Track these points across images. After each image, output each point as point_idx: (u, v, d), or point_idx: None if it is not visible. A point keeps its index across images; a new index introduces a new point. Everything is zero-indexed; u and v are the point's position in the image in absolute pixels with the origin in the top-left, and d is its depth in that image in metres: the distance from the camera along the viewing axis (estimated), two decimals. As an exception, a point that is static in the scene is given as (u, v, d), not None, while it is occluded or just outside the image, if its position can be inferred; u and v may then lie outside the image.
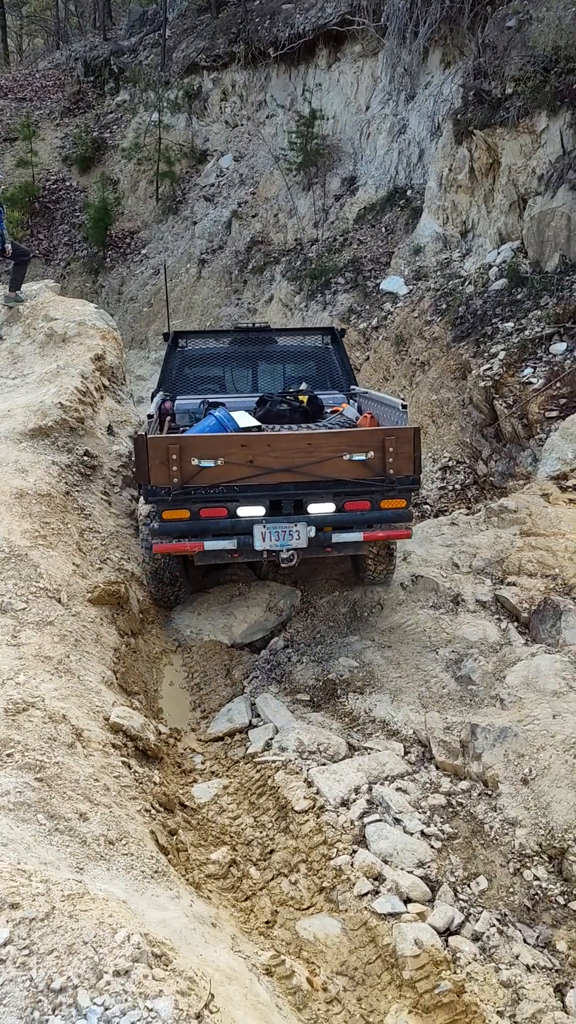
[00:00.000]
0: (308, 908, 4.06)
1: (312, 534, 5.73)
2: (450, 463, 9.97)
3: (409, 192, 14.12)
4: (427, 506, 9.54)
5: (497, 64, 11.65)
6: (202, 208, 17.24)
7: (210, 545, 5.74)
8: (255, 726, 5.41)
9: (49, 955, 2.32)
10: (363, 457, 5.63)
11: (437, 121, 13.62)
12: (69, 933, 2.41)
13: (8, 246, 8.43)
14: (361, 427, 6.38)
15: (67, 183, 19.65)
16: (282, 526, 5.70)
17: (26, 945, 2.39)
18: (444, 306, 11.48)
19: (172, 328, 8.39)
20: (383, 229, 14.04)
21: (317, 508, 5.76)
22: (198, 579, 7.29)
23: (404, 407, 6.05)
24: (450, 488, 9.72)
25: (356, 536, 5.79)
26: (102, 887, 3.06)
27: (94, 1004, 2.04)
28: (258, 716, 5.51)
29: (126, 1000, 2.04)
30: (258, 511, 5.72)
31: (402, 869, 4.06)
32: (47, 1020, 2.07)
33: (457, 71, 13.43)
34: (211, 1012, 2.09)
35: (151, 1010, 2.01)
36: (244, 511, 5.71)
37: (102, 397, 8.00)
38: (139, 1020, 1.97)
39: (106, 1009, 2.02)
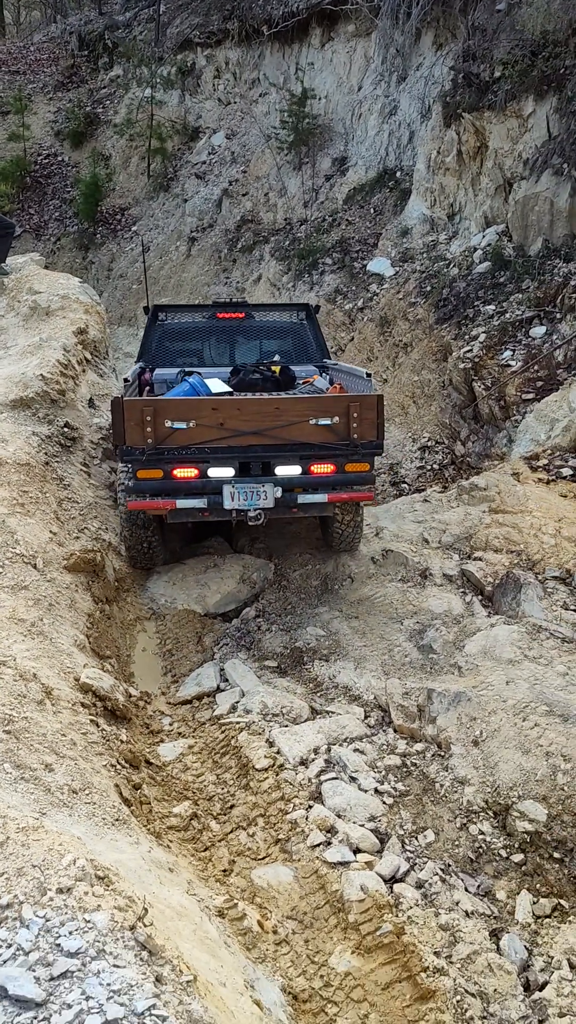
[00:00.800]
0: (264, 858, 4.25)
1: (279, 495, 6.00)
2: (429, 443, 10.12)
3: (399, 174, 14.18)
4: (405, 484, 9.71)
5: (486, 47, 11.71)
6: (193, 186, 17.26)
7: (182, 503, 6.01)
8: (223, 690, 5.58)
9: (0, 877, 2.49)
10: (328, 422, 5.91)
11: (428, 103, 13.67)
12: (20, 858, 2.58)
13: None
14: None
15: (59, 158, 19.61)
16: (250, 486, 5.97)
17: (-21, 869, 2.57)
18: (428, 288, 11.59)
19: (147, 302, 8.58)
20: (372, 210, 14.11)
21: (284, 470, 6.03)
22: (175, 550, 7.45)
23: (369, 376, 6.34)
24: (428, 467, 9.88)
25: (321, 497, 6.07)
26: (78, 834, 3.24)
27: (36, 916, 2.21)
28: (226, 681, 5.69)
29: (66, 912, 2.21)
30: (228, 472, 5.98)
31: (354, 823, 4.25)
32: (-7, 931, 2.24)
33: (448, 53, 13.47)
34: (145, 925, 2.26)
35: (88, 921, 2.18)
36: (214, 472, 5.98)
37: (84, 371, 8.12)
38: (76, 930, 2.14)
39: (47, 920, 2.19)
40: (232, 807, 4.58)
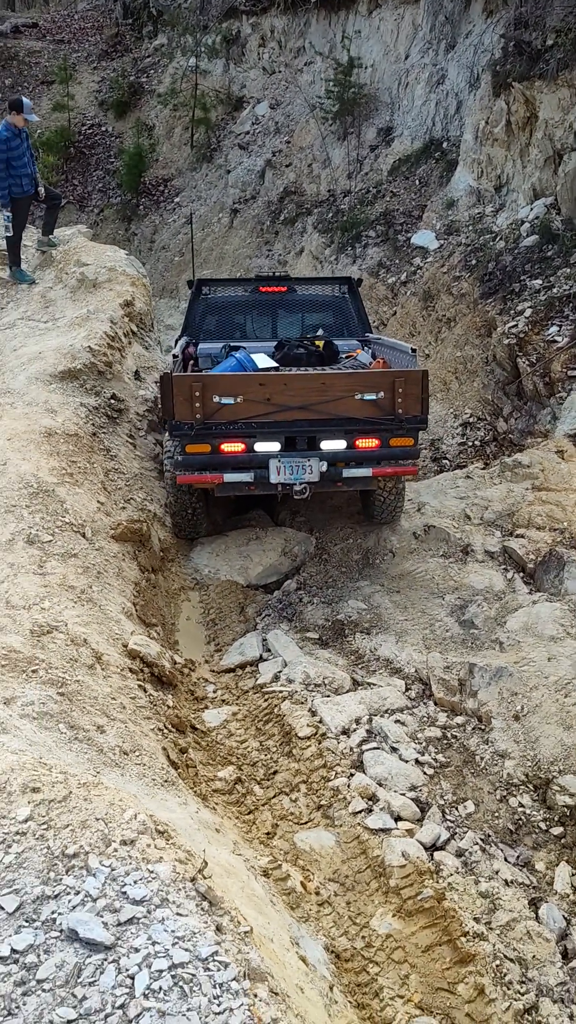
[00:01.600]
0: (306, 823, 4.37)
1: (324, 469, 6.09)
2: (471, 419, 10.08)
3: (445, 144, 13.97)
4: (446, 460, 9.69)
5: (539, 15, 11.44)
6: (236, 156, 17.16)
7: (229, 477, 6.13)
8: (265, 660, 5.69)
9: (64, 829, 2.61)
10: (374, 397, 5.99)
11: (476, 72, 13.41)
12: (83, 812, 2.70)
13: (41, 189, 8.57)
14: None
15: (103, 128, 19.60)
16: (296, 461, 6.07)
17: (44, 821, 2.69)
18: (474, 262, 11.46)
19: (192, 276, 8.65)
20: (417, 182, 13.94)
21: (329, 444, 6.12)
22: (217, 521, 7.56)
23: (413, 351, 6.39)
24: (470, 444, 9.84)
25: (366, 471, 6.15)
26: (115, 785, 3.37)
27: (102, 866, 2.33)
28: (269, 651, 5.79)
29: (130, 863, 2.33)
30: (274, 446, 6.08)
31: (395, 791, 4.34)
32: (61, 879, 2.36)
33: (499, 20, 13.18)
34: (204, 878, 2.37)
35: (151, 872, 2.29)
36: (261, 446, 6.08)
37: (130, 343, 8.21)
38: (140, 879, 2.25)
39: (112, 870, 2.31)
40: (275, 773, 4.70)
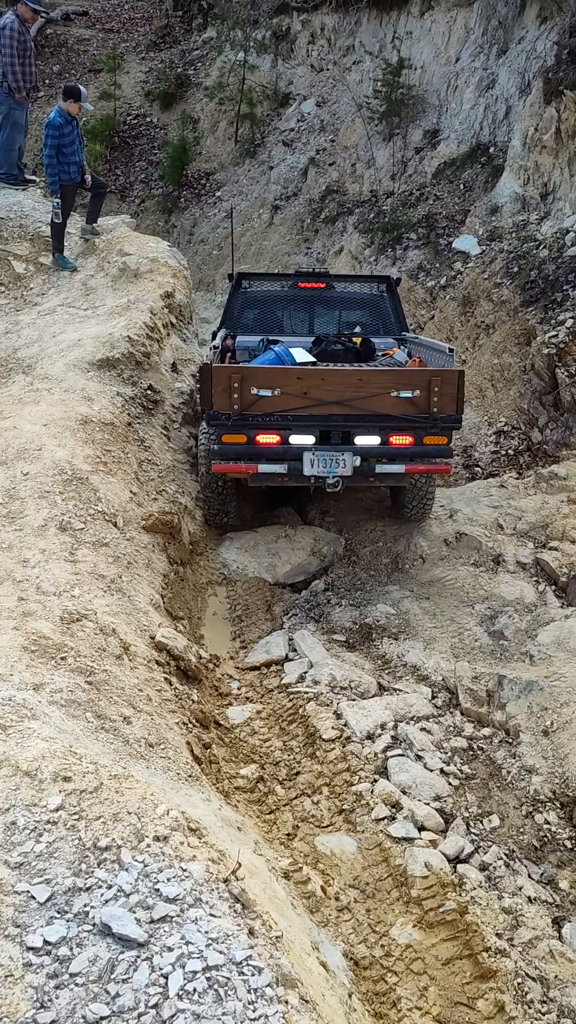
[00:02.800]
0: (327, 826, 4.33)
1: (357, 463, 6.16)
2: (505, 428, 9.98)
3: (492, 149, 13.83)
4: (478, 468, 9.60)
5: (595, 22, 11.29)
6: (280, 153, 17.10)
7: (263, 468, 6.22)
8: (291, 659, 5.66)
9: (96, 820, 2.60)
10: (409, 395, 6.04)
11: (528, 78, 13.26)
12: (115, 804, 2.69)
13: (88, 177, 8.59)
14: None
15: (148, 119, 19.61)
16: (330, 454, 6.14)
17: (76, 811, 2.68)
18: (516, 269, 11.35)
19: (232, 270, 8.65)
20: (461, 186, 13.82)
21: (363, 440, 6.19)
22: (246, 516, 7.56)
23: (451, 351, 6.43)
24: (503, 452, 9.74)
25: (398, 468, 6.21)
26: (152, 780, 3.35)
27: (135, 861, 2.31)
28: (294, 650, 5.77)
29: (163, 860, 2.30)
30: (308, 440, 6.18)
31: (419, 800, 4.30)
32: (92, 871, 2.35)
33: (553, 27, 13.03)
34: (237, 879, 2.34)
35: (185, 871, 2.27)
36: (296, 439, 6.18)
37: (168, 334, 8.20)
38: (174, 877, 2.23)
39: (145, 866, 2.29)
40: (297, 774, 4.67)
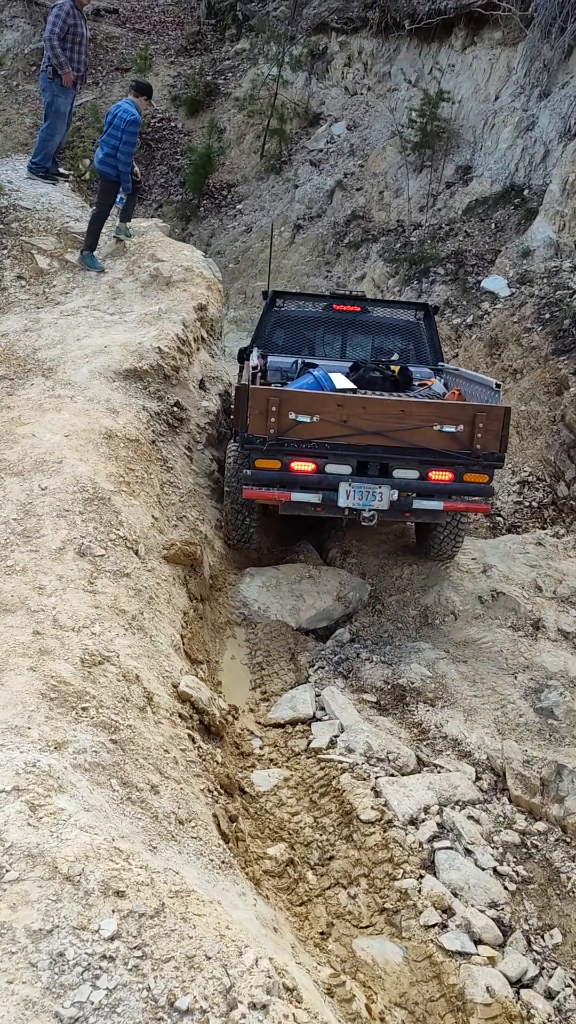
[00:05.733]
0: (367, 927, 3.84)
1: (394, 497, 5.89)
2: (530, 479, 9.61)
3: (526, 192, 13.59)
4: (500, 518, 9.21)
5: None
6: (306, 172, 16.77)
7: (296, 496, 5.93)
8: (319, 719, 5.17)
9: (167, 963, 2.10)
10: (453, 429, 5.78)
11: (570, 123, 13.07)
12: (186, 940, 2.18)
13: (138, 170, 8.21)
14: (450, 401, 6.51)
15: (172, 124, 19.21)
16: (366, 486, 5.87)
17: (137, 944, 2.17)
18: (548, 316, 11.04)
19: (267, 287, 8.23)
20: (492, 225, 13.55)
21: (402, 473, 5.93)
22: (264, 548, 7.13)
23: (497, 386, 6.13)
24: (526, 504, 9.37)
25: (437, 504, 5.94)
26: (193, 881, 2.84)
27: (229, 1039, 1.81)
28: (322, 708, 5.28)
29: (267, 1043, 1.81)
30: (345, 469, 5.90)
31: (473, 907, 3.82)
32: (171, 1044, 1.84)
33: (600, 75, 12.85)
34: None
35: (295, 1061, 1.78)
36: (332, 468, 5.90)
37: (198, 349, 7.74)
38: (283, 1071, 1.74)
39: (244, 1049, 1.79)
40: (331, 858, 4.18)
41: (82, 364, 6.87)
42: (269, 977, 2.03)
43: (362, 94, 17.27)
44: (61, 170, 9.46)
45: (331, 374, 6.58)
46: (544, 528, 8.85)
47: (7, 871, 2.43)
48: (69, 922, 2.22)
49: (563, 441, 9.61)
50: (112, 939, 2.18)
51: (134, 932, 2.20)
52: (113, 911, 2.28)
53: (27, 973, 2.03)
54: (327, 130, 17.27)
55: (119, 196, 8.00)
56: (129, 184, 7.98)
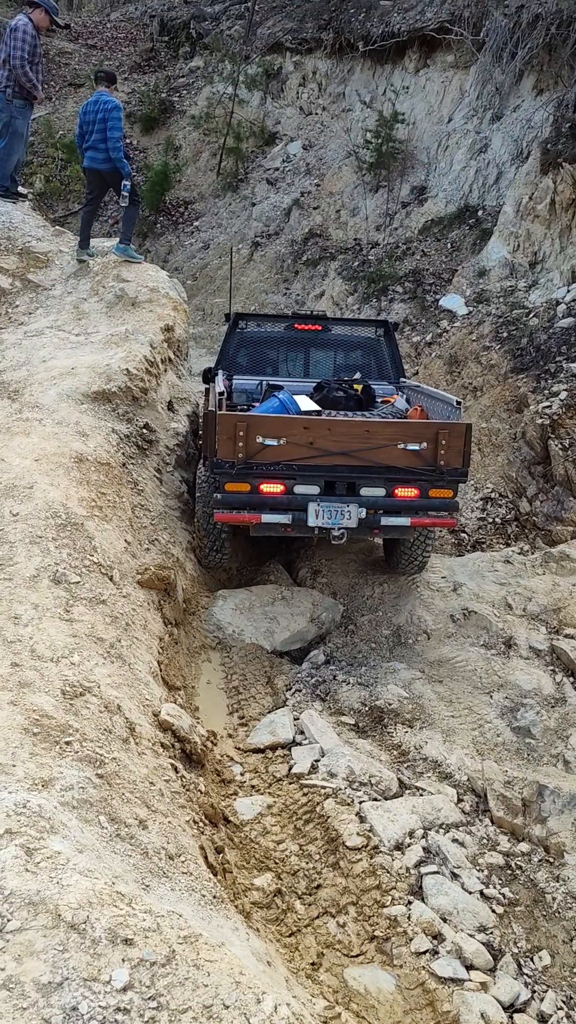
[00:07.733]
0: (357, 956, 3.83)
1: (363, 515, 6.02)
2: (492, 495, 9.76)
3: (480, 212, 13.87)
4: (464, 535, 9.33)
5: (598, 100, 11.43)
6: (263, 191, 16.88)
7: (267, 518, 6.05)
8: (299, 743, 5.15)
9: (183, 1013, 2.06)
10: (416, 447, 5.94)
11: (522, 146, 13.38)
12: (200, 988, 2.15)
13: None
14: (412, 419, 6.68)
15: (127, 140, 19.18)
16: (335, 506, 6.02)
17: (152, 995, 2.13)
18: (505, 334, 11.25)
19: (228, 309, 8.29)
20: (448, 245, 13.79)
21: (369, 491, 6.08)
22: (234, 569, 7.14)
23: (458, 403, 6.28)
24: (489, 520, 9.50)
25: (404, 521, 6.08)
26: (195, 922, 2.80)
27: None
28: (301, 733, 5.26)
29: None
30: (313, 490, 6.04)
31: (463, 931, 3.84)
32: None
33: (550, 100, 13.20)
34: None
35: None
36: (300, 489, 6.02)
37: (166, 370, 7.70)
38: None
39: None
40: (319, 887, 4.16)
41: (49, 386, 6.78)
42: (289, 1025, 2.01)
43: (317, 114, 17.46)
44: (20, 189, 9.35)
45: (296, 396, 6.64)
46: (508, 544, 8.99)
47: (9, 920, 2.37)
48: (79, 973, 2.17)
49: (524, 458, 9.78)
50: (125, 990, 2.13)
51: (147, 982, 2.16)
52: (123, 960, 2.24)
53: (40, 1030, 1.98)
54: (283, 149, 17.42)
55: (124, 183, 7.98)
56: (129, 169, 8.13)
